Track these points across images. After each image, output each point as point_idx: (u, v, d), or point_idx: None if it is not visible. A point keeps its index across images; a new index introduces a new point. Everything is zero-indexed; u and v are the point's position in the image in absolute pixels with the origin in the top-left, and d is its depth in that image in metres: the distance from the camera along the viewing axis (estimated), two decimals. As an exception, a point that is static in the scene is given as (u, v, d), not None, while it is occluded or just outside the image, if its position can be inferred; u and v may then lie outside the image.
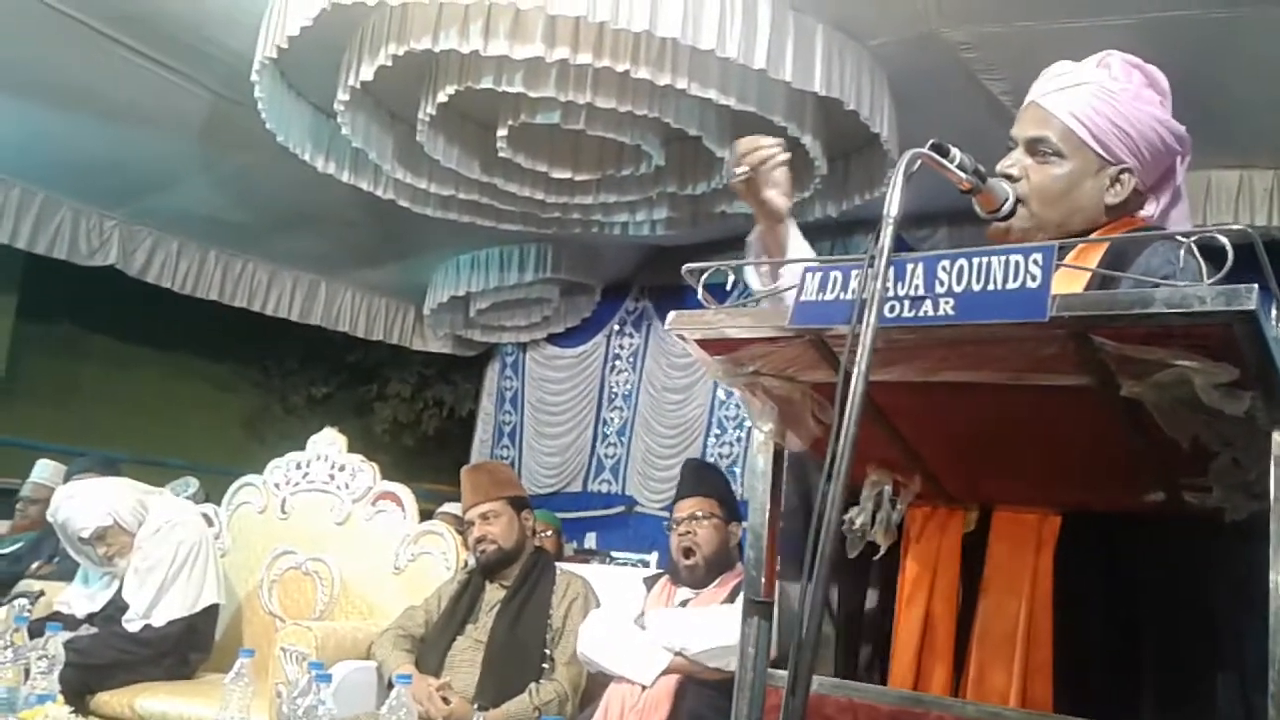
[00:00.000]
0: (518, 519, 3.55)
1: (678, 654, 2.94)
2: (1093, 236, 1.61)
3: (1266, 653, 1.11)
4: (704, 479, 3.36)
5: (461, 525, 5.03)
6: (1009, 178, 1.64)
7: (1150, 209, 1.67)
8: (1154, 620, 1.43)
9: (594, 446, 8.38)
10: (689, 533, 3.16)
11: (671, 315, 1.41)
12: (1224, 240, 1.09)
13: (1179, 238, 1.13)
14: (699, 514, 3.17)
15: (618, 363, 8.42)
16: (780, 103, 4.65)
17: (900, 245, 1.21)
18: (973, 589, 1.52)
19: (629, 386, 8.30)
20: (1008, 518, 1.51)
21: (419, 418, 9.64)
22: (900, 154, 1.29)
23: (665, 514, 7.75)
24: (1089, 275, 1.48)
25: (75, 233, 6.96)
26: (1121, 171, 1.63)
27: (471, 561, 3.69)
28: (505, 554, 3.48)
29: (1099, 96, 1.62)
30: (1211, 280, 1.06)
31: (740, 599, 3.00)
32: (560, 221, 6.39)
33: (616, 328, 8.46)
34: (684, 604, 3.15)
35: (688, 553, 3.15)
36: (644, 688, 2.93)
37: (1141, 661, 1.42)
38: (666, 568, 3.39)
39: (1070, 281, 1.47)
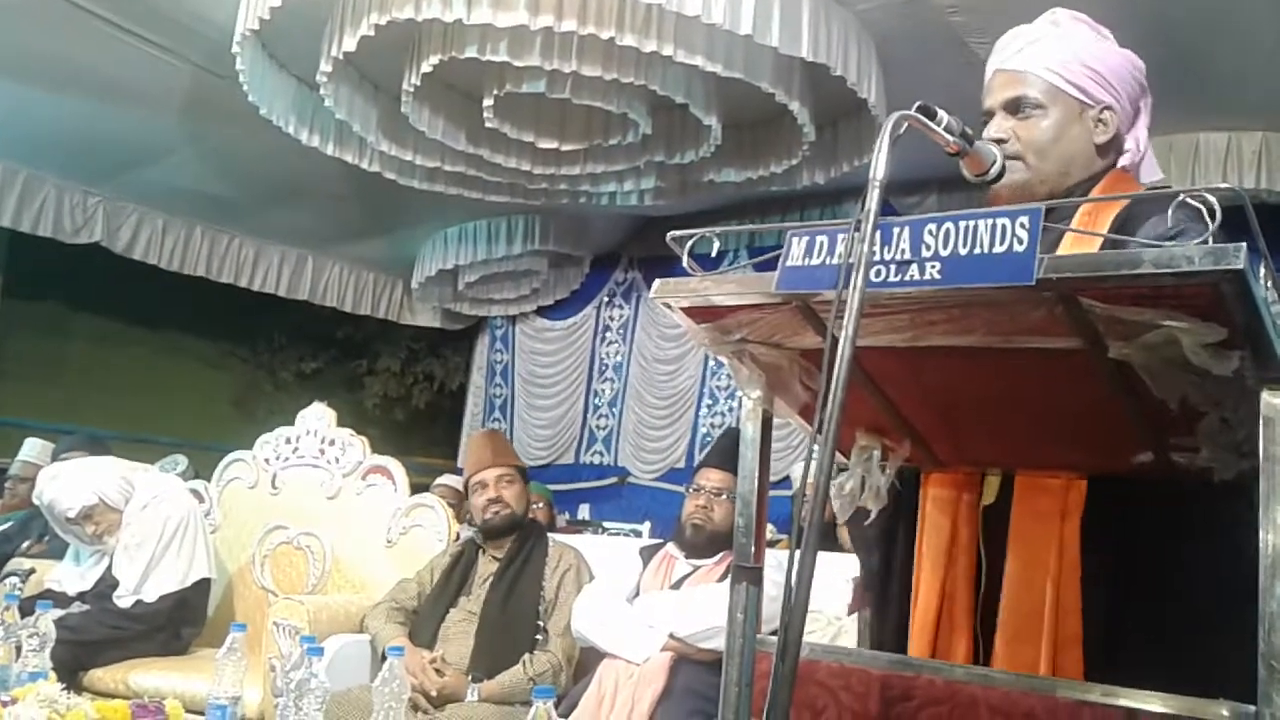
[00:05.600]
0: (525, 489, 3.61)
1: (671, 637, 2.94)
2: (1092, 197, 1.61)
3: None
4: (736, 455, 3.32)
5: (459, 497, 5.05)
6: (998, 142, 1.64)
7: (1130, 146, 1.68)
8: (1175, 586, 1.41)
9: (585, 418, 8.39)
10: (705, 506, 3.16)
11: (657, 284, 1.40)
12: (1212, 200, 1.09)
13: (1187, 197, 1.12)
14: (721, 490, 3.14)
15: (608, 334, 8.42)
16: (767, 69, 4.61)
17: (890, 212, 1.20)
18: (995, 556, 1.51)
19: (620, 358, 8.30)
20: (1030, 484, 1.50)
21: (409, 392, 9.64)
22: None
23: (658, 484, 7.81)
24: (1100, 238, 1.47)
25: (59, 210, 6.92)
26: (1103, 110, 1.65)
27: (465, 532, 3.69)
28: (514, 519, 3.50)
29: (1061, 45, 1.66)
30: (1199, 240, 1.05)
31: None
32: (548, 192, 6.35)
33: (606, 299, 8.45)
34: (680, 581, 3.14)
35: (697, 528, 3.16)
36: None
37: (1166, 628, 1.41)
38: (672, 531, 3.37)
39: (1082, 244, 1.47)
